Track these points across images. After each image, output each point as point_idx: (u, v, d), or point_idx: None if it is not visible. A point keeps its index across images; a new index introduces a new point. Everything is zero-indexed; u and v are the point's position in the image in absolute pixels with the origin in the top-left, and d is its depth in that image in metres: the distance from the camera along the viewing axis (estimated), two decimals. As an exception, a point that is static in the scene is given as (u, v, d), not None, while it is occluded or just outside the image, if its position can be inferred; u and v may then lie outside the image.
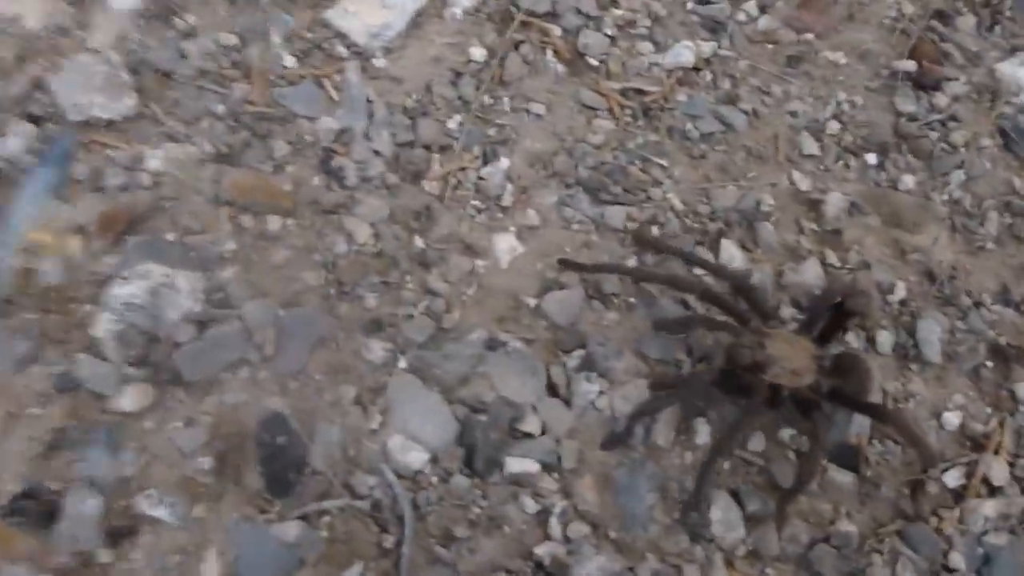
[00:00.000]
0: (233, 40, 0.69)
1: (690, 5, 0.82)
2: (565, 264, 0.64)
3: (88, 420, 0.54)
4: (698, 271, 0.63)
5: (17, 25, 0.66)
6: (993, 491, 0.65)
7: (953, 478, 0.64)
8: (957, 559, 0.61)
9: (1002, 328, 0.71)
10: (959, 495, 0.64)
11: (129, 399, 0.54)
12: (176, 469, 0.54)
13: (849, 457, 0.64)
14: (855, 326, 0.67)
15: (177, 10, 0.69)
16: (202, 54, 0.67)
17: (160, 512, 0.53)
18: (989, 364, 0.69)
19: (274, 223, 0.62)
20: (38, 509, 0.51)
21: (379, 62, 0.72)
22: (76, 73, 0.62)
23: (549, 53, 0.76)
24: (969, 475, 0.65)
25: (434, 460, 0.57)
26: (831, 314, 0.60)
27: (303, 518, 0.54)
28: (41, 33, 0.66)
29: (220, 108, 0.65)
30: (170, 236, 0.60)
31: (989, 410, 0.68)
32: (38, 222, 0.58)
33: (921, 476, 0.62)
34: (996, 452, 0.66)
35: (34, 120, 0.62)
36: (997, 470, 0.65)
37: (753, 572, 0.59)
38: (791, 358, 0.55)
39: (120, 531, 0.52)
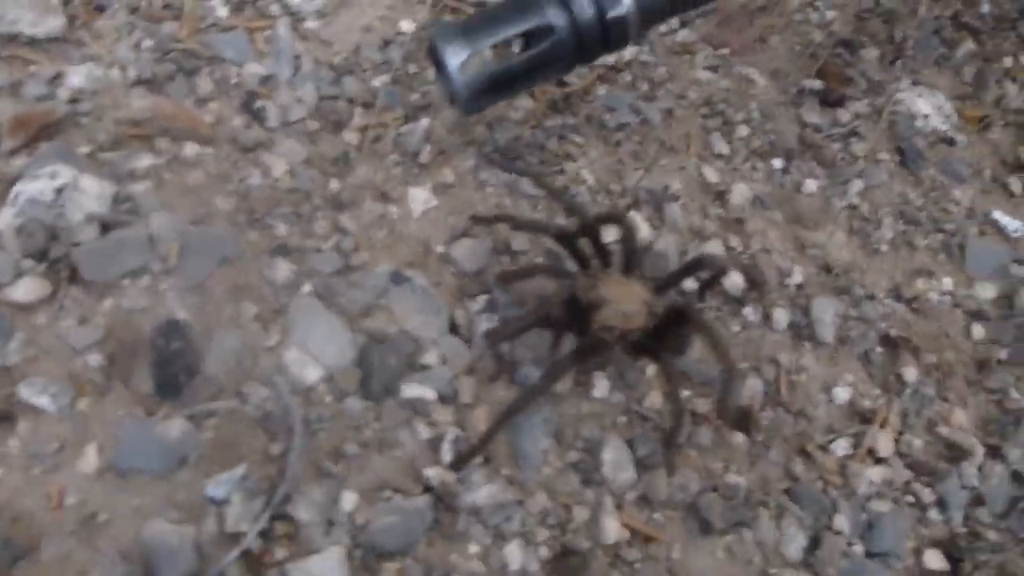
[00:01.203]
0: (167, -15, 0.73)
1: None
2: (476, 220, 0.68)
3: (-23, 305, 0.55)
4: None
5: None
6: (878, 462, 0.69)
7: (841, 447, 0.69)
8: (841, 521, 0.66)
9: (893, 321, 0.77)
10: (844, 464, 0.68)
11: (23, 290, 0.56)
12: (64, 364, 0.56)
13: (740, 420, 0.68)
14: (753, 300, 0.73)
15: (116, -49, 0.74)
16: (135, -7, 0.71)
17: (42, 401, 0.54)
18: (879, 350, 0.75)
19: (190, 149, 0.66)
20: (-85, 385, 0.52)
21: (311, 24, 0.77)
22: (7, -10, 0.66)
23: (477, 38, 0.82)
24: (856, 446, 0.69)
25: (329, 379, 0.60)
26: (682, 268, 0.64)
27: (189, 418, 0.55)
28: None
29: (148, 42, 0.70)
30: (84, 149, 0.63)
31: (878, 391, 0.73)
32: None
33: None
34: (882, 426, 0.70)
35: (-43, 29, 0.65)
36: (883, 443, 0.70)
37: (642, 516, 0.62)
38: (622, 300, 0.59)
39: (1, 416, 0.52)
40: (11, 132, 0.61)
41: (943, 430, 0.73)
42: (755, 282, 0.72)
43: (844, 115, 0.89)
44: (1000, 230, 0.87)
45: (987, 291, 0.83)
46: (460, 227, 0.70)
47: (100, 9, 0.71)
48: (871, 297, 0.79)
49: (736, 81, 0.89)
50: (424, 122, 0.75)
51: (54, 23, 0.68)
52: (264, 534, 0.54)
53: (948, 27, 1.01)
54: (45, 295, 0.58)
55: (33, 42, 0.67)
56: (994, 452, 0.73)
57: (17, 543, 0.51)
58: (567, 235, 0.63)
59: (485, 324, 0.66)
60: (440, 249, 0.69)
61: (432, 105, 0.77)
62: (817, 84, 0.91)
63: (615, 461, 0.63)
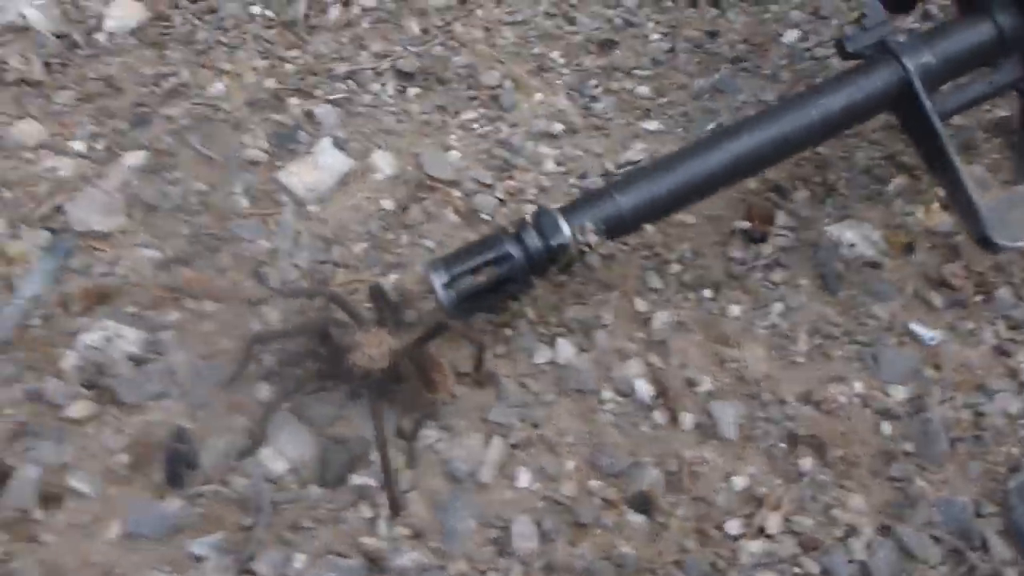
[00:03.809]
0: (204, 187, 1.05)
1: (572, 180, 1.15)
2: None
3: (44, 421, 0.84)
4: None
5: (55, 174, 1.04)
6: (767, 538, 0.86)
7: (734, 527, 0.87)
8: None
9: (799, 421, 0.95)
10: (736, 540, 0.86)
11: (76, 410, 0.84)
12: (101, 462, 0.83)
13: (643, 503, 0.87)
14: (660, 405, 0.93)
15: (170, 168, 1.07)
16: (179, 195, 1.03)
17: (83, 488, 0.80)
18: (782, 445, 0.93)
19: (209, 306, 0.94)
20: (-5, 475, 0.80)
21: (312, 207, 1.06)
22: (85, 201, 0.98)
23: (448, 208, 1.10)
24: (747, 525, 0.87)
25: (294, 471, 0.84)
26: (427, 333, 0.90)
27: (186, 499, 0.80)
28: (69, 178, 1.03)
29: (185, 231, 1.00)
30: (130, 309, 0.92)
31: (778, 480, 0.91)
32: (40, 295, 0.91)
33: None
34: (774, 508, 0.88)
35: (51, 230, 0.97)
36: (772, 521, 0.87)
37: None
38: (371, 346, 0.84)
39: (52, 497, 0.80)
40: (79, 300, 0.91)
41: (837, 512, 0.89)
42: (664, 391, 0.92)
43: (767, 249, 1.09)
44: (917, 340, 1.04)
45: (899, 393, 0.99)
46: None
47: (153, 209, 1.02)
48: (782, 401, 0.97)
49: (672, 226, 1.12)
50: (393, 277, 1.01)
51: (117, 220, 1.00)
52: (232, 584, 0.77)
53: (882, 166, 1.21)
54: (92, 413, 0.86)
55: (101, 235, 0.99)
56: (885, 531, 0.88)
57: (57, 589, 0.76)
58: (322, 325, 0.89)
59: (426, 431, 0.89)
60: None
61: (402, 264, 1.03)
62: (745, 224, 1.12)
63: (522, 534, 0.83)
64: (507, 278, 0.94)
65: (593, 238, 0.93)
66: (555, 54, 1.33)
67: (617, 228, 0.97)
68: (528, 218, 0.97)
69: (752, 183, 1.18)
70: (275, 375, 0.90)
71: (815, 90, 1.05)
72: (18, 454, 0.83)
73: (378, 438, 0.82)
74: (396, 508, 0.83)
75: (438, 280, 0.92)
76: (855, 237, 1.11)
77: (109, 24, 1.22)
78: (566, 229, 0.94)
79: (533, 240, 0.94)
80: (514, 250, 0.94)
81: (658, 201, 0.98)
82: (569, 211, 0.97)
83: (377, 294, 0.93)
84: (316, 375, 0.86)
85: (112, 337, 0.89)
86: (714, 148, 1.00)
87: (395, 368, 0.87)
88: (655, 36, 1.37)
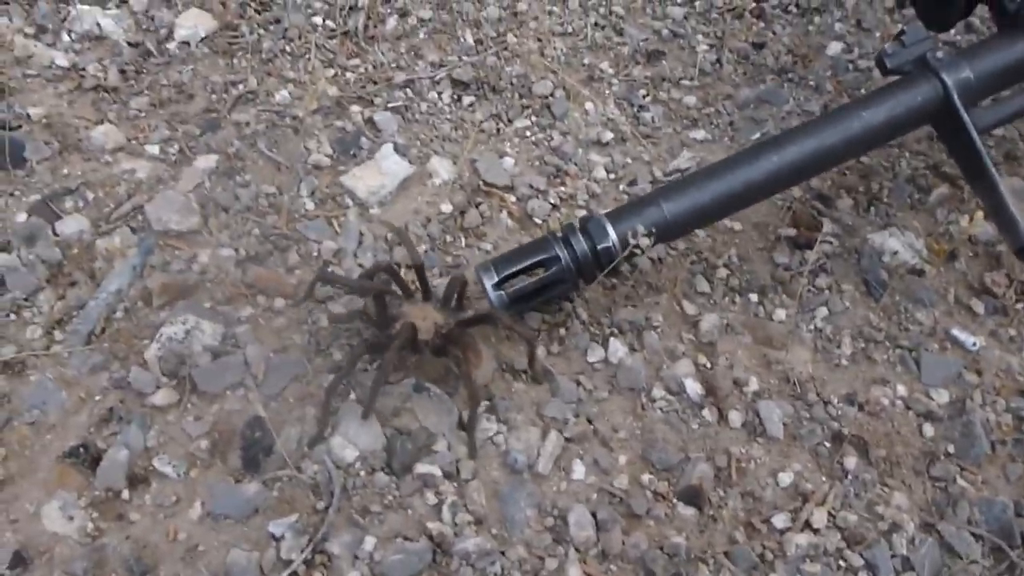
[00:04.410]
0: (272, 189, 1.11)
1: (622, 187, 1.20)
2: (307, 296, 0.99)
3: (130, 407, 0.89)
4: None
5: (132, 175, 1.10)
6: (814, 532, 0.90)
7: (780, 520, 0.91)
8: None
9: (844, 421, 0.99)
10: (782, 533, 0.90)
11: (160, 397, 0.90)
12: (183, 446, 0.88)
13: (694, 496, 0.91)
14: (709, 404, 0.97)
15: (240, 171, 1.13)
16: (249, 197, 1.09)
17: (167, 470, 0.86)
18: (828, 444, 0.97)
19: (279, 303, 1.00)
20: (87, 457, 0.86)
21: (374, 210, 1.12)
22: (163, 201, 1.04)
23: (504, 213, 1.15)
24: (794, 519, 0.91)
25: (363, 459, 0.89)
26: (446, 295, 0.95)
27: (263, 483, 0.86)
28: (146, 180, 1.10)
29: (256, 231, 1.06)
30: (207, 304, 0.98)
31: (823, 478, 0.95)
32: (124, 290, 0.97)
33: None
34: (820, 504, 0.92)
35: (132, 229, 1.03)
36: (818, 516, 0.91)
37: (600, 567, 0.86)
38: (417, 318, 0.90)
39: (139, 478, 0.85)
40: (159, 294, 0.97)
41: (880, 509, 0.93)
42: (713, 390, 0.97)
43: (811, 255, 1.13)
44: (959, 345, 1.07)
45: (941, 396, 1.03)
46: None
47: (225, 210, 1.08)
48: (826, 402, 1.01)
49: (719, 232, 1.16)
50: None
51: (193, 220, 1.06)
52: (307, 562, 0.82)
53: (925, 176, 1.25)
54: (174, 401, 0.92)
55: (179, 234, 1.05)
56: (928, 528, 0.92)
57: (145, 563, 0.82)
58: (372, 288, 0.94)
59: (486, 423, 0.94)
60: (455, 368, 0.98)
61: (461, 265, 1.08)
62: (791, 231, 1.16)
63: (579, 523, 0.88)
64: (555, 280, 0.99)
65: (644, 241, 0.98)
66: (604, 64, 1.37)
67: (662, 234, 1.01)
68: (576, 223, 1.02)
69: (797, 192, 1.22)
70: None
71: (856, 104, 1.09)
72: (106, 438, 0.89)
73: (376, 383, 0.88)
74: (367, 412, 0.89)
75: (488, 281, 0.97)
76: (898, 245, 1.15)
77: (180, 33, 1.28)
78: (613, 234, 0.99)
79: (580, 244, 0.99)
80: (562, 253, 0.98)
81: (702, 209, 1.03)
82: (616, 216, 1.02)
83: (422, 274, 0.98)
84: (367, 346, 0.91)
85: (191, 330, 0.94)
86: (757, 159, 1.04)
87: (437, 341, 0.92)
88: (702, 47, 1.42)
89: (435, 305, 0.94)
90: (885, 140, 1.10)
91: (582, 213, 1.16)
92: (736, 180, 1.02)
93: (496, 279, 0.97)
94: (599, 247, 0.98)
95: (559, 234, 1.00)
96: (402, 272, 1.00)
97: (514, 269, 0.98)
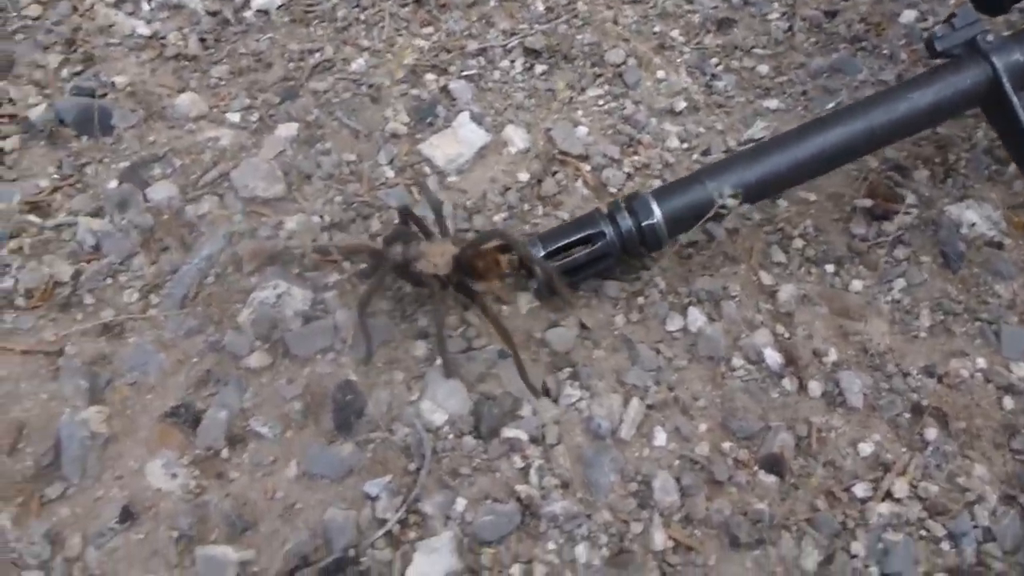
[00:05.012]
0: (352, 157, 1.12)
1: (695, 156, 1.20)
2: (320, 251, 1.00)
3: (227, 370, 0.92)
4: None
5: (216, 143, 1.12)
6: (895, 502, 0.91)
7: (861, 490, 0.92)
8: (857, 547, 0.88)
9: (923, 393, 0.99)
10: (864, 502, 0.91)
11: (254, 360, 0.92)
12: (277, 408, 0.91)
13: (775, 464, 0.93)
14: (789, 373, 0.98)
15: (320, 139, 1.14)
16: (331, 165, 1.11)
17: (263, 431, 0.89)
18: (907, 415, 0.97)
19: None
20: (187, 416, 0.88)
21: (452, 178, 1.13)
22: (248, 169, 1.06)
23: (579, 182, 1.16)
24: (875, 489, 0.92)
25: (451, 423, 0.91)
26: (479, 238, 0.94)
27: (356, 444, 0.88)
28: (229, 148, 1.12)
29: (338, 198, 1.08)
30: (295, 270, 1.00)
31: (903, 448, 0.95)
32: (214, 254, 1.00)
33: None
34: (901, 474, 0.93)
35: (219, 196, 1.06)
36: (900, 486, 0.92)
37: (684, 531, 0.87)
38: (434, 256, 0.90)
39: (237, 438, 0.88)
40: (249, 260, 0.99)
41: (962, 480, 0.93)
42: (793, 360, 0.98)
43: (889, 227, 1.13)
44: (1041, 319, 1.07)
45: (1021, 369, 1.03)
46: (556, 319, 1.01)
47: (308, 177, 1.10)
48: (905, 374, 1.01)
49: (794, 203, 1.16)
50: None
51: (278, 188, 1.07)
52: (402, 522, 0.84)
53: (1002, 147, 1.23)
54: (268, 364, 0.94)
55: (265, 201, 1.07)
56: (1009, 500, 0.93)
57: (245, 520, 0.85)
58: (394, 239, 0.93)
59: (569, 389, 0.95)
60: (538, 335, 1.00)
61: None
62: (867, 202, 1.16)
63: (664, 488, 0.90)
64: (600, 255, 1.00)
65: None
66: (675, 32, 1.37)
67: (703, 212, 1.01)
68: (621, 200, 1.03)
69: (873, 162, 1.21)
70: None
71: (904, 86, 1.08)
72: (204, 398, 0.92)
73: (438, 330, 0.90)
74: (449, 371, 0.92)
75: (536, 255, 0.99)
76: (975, 217, 1.14)
77: (257, 1, 1.30)
78: (657, 211, 1.00)
79: (626, 221, 1.00)
80: (607, 229, 0.99)
81: (746, 188, 1.03)
82: (661, 194, 1.02)
83: (439, 211, 1.00)
84: (393, 273, 0.93)
85: (282, 295, 0.97)
86: (804, 140, 1.04)
87: (456, 277, 0.93)
88: (773, 15, 1.40)
89: (454, 242, 0.95)
90: (933, 123, 1.10)
91: (657, 183, 1.16)
92: (782, 160, 1.03)
93: (543, 253, 0.98)
94: (643, 224, 0.99)
95: (605, 210, 1.01)
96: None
97: (560, 244, 0.99)
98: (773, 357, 1.00)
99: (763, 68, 1.32)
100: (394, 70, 1.23)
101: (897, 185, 1.18)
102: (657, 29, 1.36)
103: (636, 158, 1.19)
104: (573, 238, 1.00)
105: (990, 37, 1.06)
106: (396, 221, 0.99)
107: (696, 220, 1.02)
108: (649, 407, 0.96)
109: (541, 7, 1.36)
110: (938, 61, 1.10)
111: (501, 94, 1.25)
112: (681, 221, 1.02)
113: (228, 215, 1.04)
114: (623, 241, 1.00)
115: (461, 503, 0.86)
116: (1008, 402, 0.99)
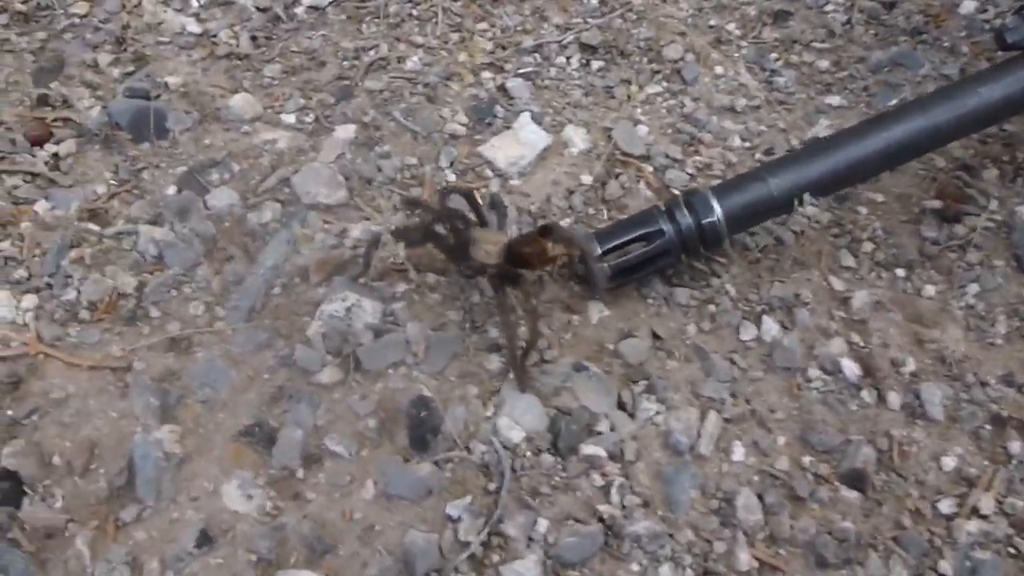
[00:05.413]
0: (413, 161, 1.10)
1: (758, 155, 1.17)
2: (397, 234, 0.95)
3: (299, 386, 0.90)
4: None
5: (274, 146, 1.09)
6: (981, 519, 0.89)
7: (946, 506, 0.90)
8: (945, 566, 0.86)
9: (1004, 403, 0.97)
10: (950, 519, 0.89)
11: (326, 375, 0.90)
12: (351, 425, 0.89)
13: (857, 480, 0.90)
14: (868, 385, 0.96)
15: (379, 141, 1.11)
16: (392, 169, 1.08)
17: (338, 449, 0.87)
18: (988, 427, 0.95)
19: (432, 278, 0.99)
20: (261, 435, 0.86)
21: (515, 182, 1.10)
22: (309, 174, 1.03)
23: (642, 183, 1.13)
24: (960, 505, 0.90)
25: (529, 440, 0.89)
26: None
27: (434, 463, 0.86)
28: (287, 151, 1.09)
29: (401, 204, 1.05)
30: (362, 280, 0.97)
31: (986, 462, 0.93)
32: (279, 264, 0.97)
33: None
34: (986, 489, 0.90)
35: (280, 202, 1.03)
36: (986, 503, 0.90)
37: (769, 551, 0.85)
38: (487, 243, 0.88)
39: (312, 458, 0.86)
40: (315, 271, 0.97)
41: (1048, 496, 0.91)
42: (870, 370, 0.95)
43: (961, 229, 1.10)
44: (1122, 324, 1.04)
45: (1103, 379, 1.00)
46: (627, 329, 0.99)
47: (369, 182, 1.07)
48: (983, 384, 0.99)
49: (861, 204, 1.13)
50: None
51: (340, 194, 1.05)
52: (484, 544, 0.82)
53: (1072, 145, 1.20)
54: (339, 379, 0.92)
55: (327, 208, 1.04)
56: (1100, 516, 0.90)
57: (324, 542, 0.83)
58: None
59: (645, 403, 0.93)
60: (611, 347, 0.98)
61: (605, 238, 1.06)
62: (936, 203, 1.13)
63: (747, 506, 0.88)
64: (659, 253, 0.98)
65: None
66: (731, 26, 1.33)
67: (767, 210, 0.99)
68: (680, 196, 1.00)
69: (940, 161, 1.18)
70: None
71: (972, 80, 1.05)
72: (277, 416, 0.89)
73: (503, 321, 0.88)
74: (522, 382, 0.90)
75: (593, 249, 0.96)
76: (1048, 219, 1.11)
77: (307, -2, 1.26)
78: (718, 208, 0.97)
79: (685, 218, 0.97)
80: (667, 227, 0.97)
81: (808, 185, 1.00)
82: (720, 191, 0.99)
83: (499, 202, 0.98)
84: (445, 255, 0.91)
85: (352, 307, 0.94)
86: (866, 136, 1.01)
87: (497, 267, 0.91)
88: (829, 7, 1.37)
89: (505, 233, 0.93)
90: (1002, 118, 1.07)
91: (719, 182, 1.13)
92: (842, 157, 1.00)
93: (599, 251, 0.95)
94: (703, 222, 0.96)
95: (663, 207, 0.98)
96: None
97: (618, 242, 0.97)
98: (850, 367, 0.98)
99: (823, 63, 1.29)
100: (450, 68, 1.20)
101: (966, 185, 1.15)
102: (713, 22, 1.33)
103: (698, 158, 1.17)
104: (631, 235, 0.97)
105: None
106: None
107: (757, 218, 0.99)
108: (726, 420, 0.94)
109: (595, 0, 1.33)
110: (1006, 54, 1.07)
111: (559, 92, 1.22)
112: (742, 219, 0.99)
113: (291, 223, 1.01)
114: (682, 239, 0.97)
115: (543, 524, 0.84)
116: (1092, 413, 0.97)
